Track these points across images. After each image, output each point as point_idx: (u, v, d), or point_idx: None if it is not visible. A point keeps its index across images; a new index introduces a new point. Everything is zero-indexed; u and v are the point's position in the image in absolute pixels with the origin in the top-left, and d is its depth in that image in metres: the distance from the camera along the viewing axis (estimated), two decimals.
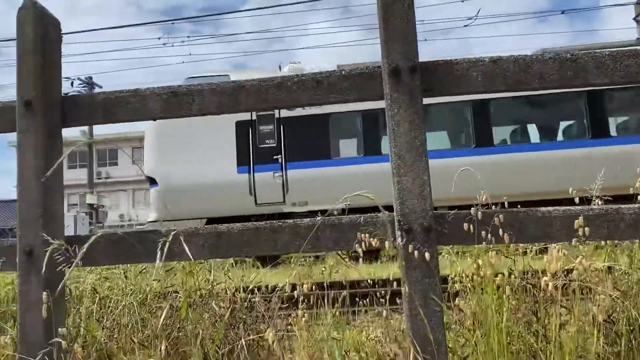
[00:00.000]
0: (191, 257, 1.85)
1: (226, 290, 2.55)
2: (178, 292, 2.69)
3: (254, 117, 10.65)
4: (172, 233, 1.88)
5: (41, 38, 2.09)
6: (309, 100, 2.07)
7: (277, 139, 10.57)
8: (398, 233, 1.83)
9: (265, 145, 10.56)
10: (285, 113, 10.61)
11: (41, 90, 2.06)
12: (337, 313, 2.55)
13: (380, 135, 10.28)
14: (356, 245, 1.83)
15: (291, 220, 2.03)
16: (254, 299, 2.70)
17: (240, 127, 10.55)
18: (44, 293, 1.79)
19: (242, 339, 2.05)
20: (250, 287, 2.64)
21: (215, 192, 10.10)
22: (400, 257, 1.83)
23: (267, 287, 2.80)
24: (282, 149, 10.48)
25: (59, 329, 1.73)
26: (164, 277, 2.70)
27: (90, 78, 21.41)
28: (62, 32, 2.21)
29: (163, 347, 2.35)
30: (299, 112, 10.23)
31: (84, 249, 1.76)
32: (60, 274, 2.02)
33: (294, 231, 2.01)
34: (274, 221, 2.04)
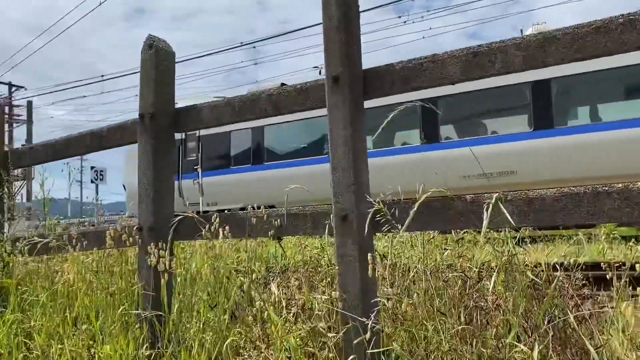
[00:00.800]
0: (513, 223, 1.75)
1: (525, 263, 2.39)
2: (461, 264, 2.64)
3: (184, 136, 13.57)
4: (495, 196, 1.80)
5: (344, 15, 2.21)
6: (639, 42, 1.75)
7: (197, 153, 13.64)
8: None
9: (190, 158, 13.74)
10: (203, 132, 13.17)
11: (346, 66, 2.19)
12: None
13: (263, 147, 12.92)
14: None
15: (620, 184, 1.77)
16: (550, 274, 2.49)
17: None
18: (369, 255, 1.90)
19: (570, 315, 1.87)
20: (552, 262, 2.43)
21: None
22: None
23: (568, 263, 2.55)
24: (199, 160, 13.50)
25: (386, 289, 1.81)
26: (454, 247, 2.67)
27: None
28: (359, 8, 2.31)
29: (462, 317, 2.33)
30: (211, 130, 12.38)
31: (411, 215, 1.80)
32: (371, 238, 2.14)
33: (625, 197, 1.75)
34: (597, 185, 1.81)
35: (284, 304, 2.28)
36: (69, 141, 3.26)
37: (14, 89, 32.33)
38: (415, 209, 1.79)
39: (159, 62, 2.75)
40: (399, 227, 1.90)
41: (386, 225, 1.96)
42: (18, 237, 3.26)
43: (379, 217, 1.97)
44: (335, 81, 2.19)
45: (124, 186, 15.04)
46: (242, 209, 2.59)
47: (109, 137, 3.11)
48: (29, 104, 31.59)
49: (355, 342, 1.89)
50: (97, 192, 15.15)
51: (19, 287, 3.06)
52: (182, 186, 13.60)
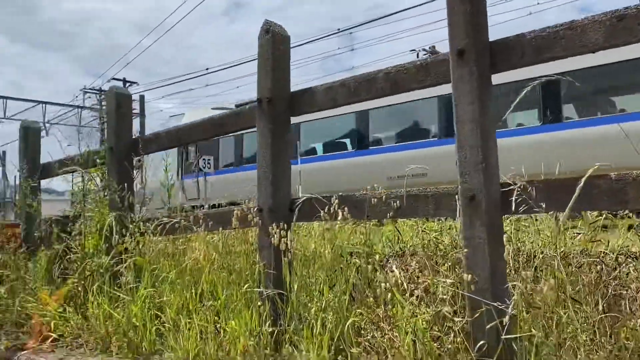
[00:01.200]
0: None
1: None
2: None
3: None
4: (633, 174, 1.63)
5: None
6: None
7: (195, 157, 16.21)
8: None
9: (190, 162, 16.43)
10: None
11: (472, 37, 2.08)
12: None
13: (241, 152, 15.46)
14: None
15: None
16: None
17: (179, 151, 16.28)
18: (504, 237, 1.80)
19: None
20: None
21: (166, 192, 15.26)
22: None
23: None
24: (197, 164, 16.01)
25: (523, 272, 1.72)
26: (588, 231, 2.47)
27: (434, 47, 22.35)
28: None
29: (600, 306, 2.16)
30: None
31: (577, 192, 1.67)
32: (500, 220, 2.03)
33: None
34: None
35: (405, 287, 2.24)
36: (191, 128, 3.43)
37: (127, 84, 34.86)
38: (582, 184, 1.66)
39: (275, 46, 2.79)
40: (535, 208, 1.78)
41: (523, 206, 1.84)
42: (148, 218, 3.50)
43: (515, 197, 1.86)
44: (461, 54, 2.09)
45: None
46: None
47: (228, 123, 3.23)
48: (142, 98, 33.94)
49: (488, 327, 1.81)
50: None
51: (149, 264, 3.29)
52: (183, 185, 16.43)
